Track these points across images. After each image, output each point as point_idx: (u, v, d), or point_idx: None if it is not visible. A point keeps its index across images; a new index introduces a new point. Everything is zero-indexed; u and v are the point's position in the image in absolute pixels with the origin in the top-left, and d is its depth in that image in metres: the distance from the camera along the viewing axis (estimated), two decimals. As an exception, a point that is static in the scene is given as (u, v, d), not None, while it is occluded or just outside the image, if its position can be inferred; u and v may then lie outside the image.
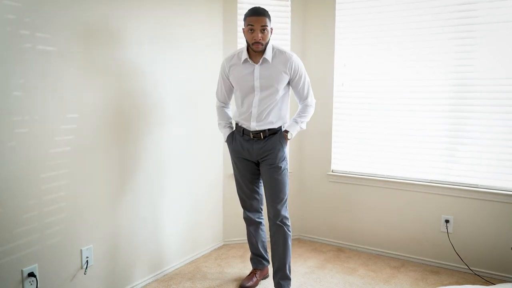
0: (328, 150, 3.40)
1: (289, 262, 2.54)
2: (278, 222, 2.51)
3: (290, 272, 2.54)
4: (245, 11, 3.22)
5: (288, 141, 2.51)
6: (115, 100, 2.40)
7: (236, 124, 2.57)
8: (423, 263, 3.06)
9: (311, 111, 2.55)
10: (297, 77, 2.46)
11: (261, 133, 2.47)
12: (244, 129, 2.51)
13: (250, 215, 2.70)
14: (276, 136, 2.48)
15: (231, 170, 3.34)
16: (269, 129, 2.47)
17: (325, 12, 3.30)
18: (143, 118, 2.59)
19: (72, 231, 2.22)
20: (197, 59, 3.00)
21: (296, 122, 2.50)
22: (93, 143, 2.29)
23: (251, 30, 2.37)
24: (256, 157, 2.52)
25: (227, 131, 2.61)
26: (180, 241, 2.98)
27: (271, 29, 2.43)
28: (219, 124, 2.67)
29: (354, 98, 3.27)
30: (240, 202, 2.71)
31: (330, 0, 3.27)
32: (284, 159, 2.49)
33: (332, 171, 3.42)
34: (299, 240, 3.53)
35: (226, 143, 2.64)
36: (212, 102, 3.07)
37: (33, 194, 2.01)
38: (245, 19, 2.41)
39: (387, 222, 3.20)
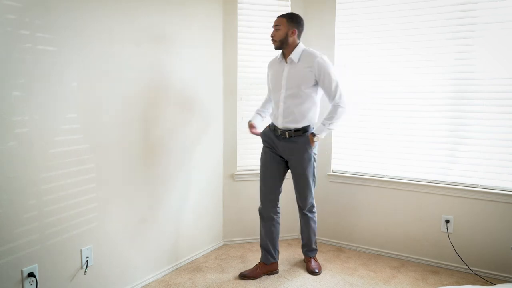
0: (328, 150, 3.40)
1: (315, 239, 2.97)
2: (304, 212, 2.89)
3: (315, 245, 2.99)
4: (245, 11, 3.26)
5: (317, 142, 2.70)
6: (115, 100, 2.40)
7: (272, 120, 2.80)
8: (423, 263, 3.06)
9: (340, 112, 2.65)
10: (322, 76, 2.60)
11: (287, 132, 2.66)
12: (275, 126, 2.73)
13: (264, 208, 2.84)
14: (302, 138, 2.64)
15: (231, 170, 3.35)
16: (295, 129, 2.65)
17: (325, 12, 3.30)
18: (143, 118, 2.59)
19: (72, 231, 2.22)
20: (197, 59, 2.99)
21: (323, 124, 2.66)
22: (92, 143, 2.29)
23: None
24: (283, 154, 2.74)
25: (255, 116, 2.90)
26: (180, 241, 2.98)
27: (294, 31, 2.62)
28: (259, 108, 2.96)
29: (354, 98, 3.27)
30: (260, 193, 2.86)
31: (330, 0, 3.27)
32: (311, 160, 2.71)
33: (332, 171, 3.42)
34: (298, 240, 3.53)
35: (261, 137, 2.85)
36: (212, 102, 3.09)
37: (33, 194, 2.01)
38: None
39: (387, 222, 3.20)
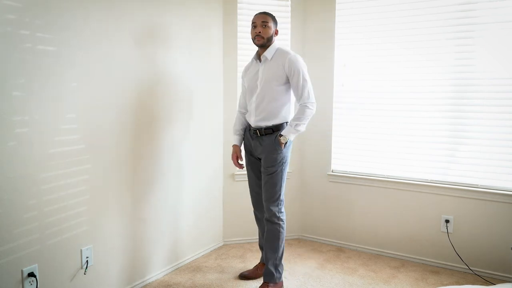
0: (328, 150, 3.40)
1: (274, 258, 2.60)
2: (267, 218, 2.61)
3: (275, 266, 2.60)
4: (245, 11, 3.26)
5: (286, 143, 2.53)
6: (115, 100, 2.40)
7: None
8: (423, 263, 3.06)
9: (308, 113, 2.51)
10: (292, 73, 2.50)
11: (258, 131, 2.59)
12: (250, 125, 2.67)
13: (257, 212, 2.83)
14: (271, 137, 2.55)
15: (231, 170, 3.36)
16: (265, 127, 2.56)
17: (325, 12, 3.30)
18: (143, 118, 2.59)
19: (72, 231, 2.22)
20: (196, 59, 2.99)
21: (290, 125, 2.51)
22: (92, 143, 2.29)
23: (254, 27, 2.55)
24: (256, 153, 2.65)
25: (237, 139, 2.77)
26: (180, 241, 2.98)
27: (276, 31, 2.60)
28: (233, 127, 2.82)
29: (354, 98, 3.27)
30: (250, 197, 2.83)
31: (330, 0, 3.27)
32: (277, 161, 2.54)
33: (332, 171, 3.42)
34: (299, 240, 3.53)
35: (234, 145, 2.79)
36: (213, 102, 3.09)
37: (33, 194, 2.01)
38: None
39: (387, 222, 3.20)
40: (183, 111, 2.91)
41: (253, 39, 2.55)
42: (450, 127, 2.94)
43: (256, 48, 2.63)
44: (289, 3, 3.33)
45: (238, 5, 3.22)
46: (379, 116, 3.18)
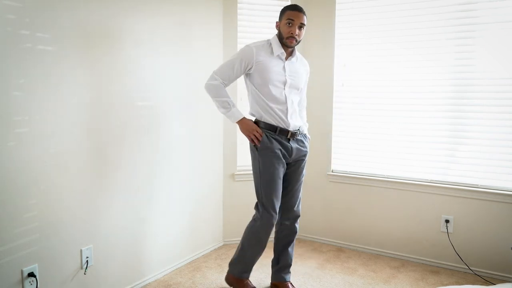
0: (328, 150, 3.40)
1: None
2: (292, 220, 2.57)
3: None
4: (245, 11, 3.26)
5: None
6: (115, 100, 2.40)
7: (263, 122, 2.39)
8: (423, 263, 3.07)
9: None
10: (307, 80, 2.60)
11: (297, 132, 2.43)
12: (280, 128, 2.38)
13: (275, 216, 2.50)
14: (306, 138, 2.53)
15: (231, 170, 3.35)
16: (300, 128, 2.47)
17: (325, 11, 3.30)
18: (143, 118, 2.59)
19: (72, 231, 2.22)
20: (196, 59, 2.99)
21: (306, 126, 2.61)
22: (93, 143, 2.29)
23: (289, 24, 2.31)
24: (297, 157, 2.46)
25: (239, 111, 2.42)
26: (180, 241, 2.98)
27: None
28: (225, 101, 2.39)
29: (354, 98, 3.27)
30: (274, 203, 2.44)
31: (330, 0, 3.27)
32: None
33: (332, 171, 3.42)
34: (299, 240, 3.53)
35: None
36: (212, 102, 3.07)
37: (33, 194, 2.01)
38: (283, 13, 2.35)
39: (387, 222, 3.20)
40: (182, 111, 2.91)
41: (285, 38, 2.32)
42: (450, 127, 2.94)
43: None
44: (289, 3, 3.33)
45: (238, 5, 3.22)
46: (379, 116, 3.18)
